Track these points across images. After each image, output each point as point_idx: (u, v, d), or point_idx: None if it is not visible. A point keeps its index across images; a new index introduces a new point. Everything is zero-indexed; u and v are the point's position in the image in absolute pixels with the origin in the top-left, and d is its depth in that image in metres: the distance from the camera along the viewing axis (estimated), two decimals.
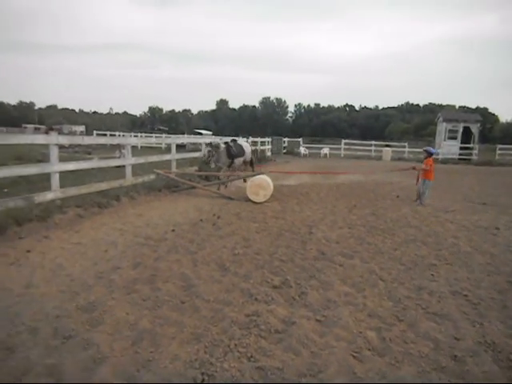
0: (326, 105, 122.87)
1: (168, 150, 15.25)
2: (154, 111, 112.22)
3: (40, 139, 8.00)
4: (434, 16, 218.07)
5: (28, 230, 6.06)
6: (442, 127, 32.25)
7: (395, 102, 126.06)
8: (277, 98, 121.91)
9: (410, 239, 6.63)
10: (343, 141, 35.36)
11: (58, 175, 7.42)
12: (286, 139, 36.12)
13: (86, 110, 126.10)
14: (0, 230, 5.72)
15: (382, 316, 3.78)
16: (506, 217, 8.76)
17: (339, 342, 3.27)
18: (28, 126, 62.59)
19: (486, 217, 8.75)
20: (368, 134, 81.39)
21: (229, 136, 19.54)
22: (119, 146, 16.32)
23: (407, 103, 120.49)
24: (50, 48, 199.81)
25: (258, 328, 3.43)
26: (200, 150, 12.03)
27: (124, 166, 9.98)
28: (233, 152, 12.18)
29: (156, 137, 32.37)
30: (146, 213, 8.04)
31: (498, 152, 31.84)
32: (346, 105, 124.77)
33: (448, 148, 31.09)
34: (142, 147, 26.11)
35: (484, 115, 54.82)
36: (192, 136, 31.45)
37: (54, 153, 7.33)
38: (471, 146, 31.22)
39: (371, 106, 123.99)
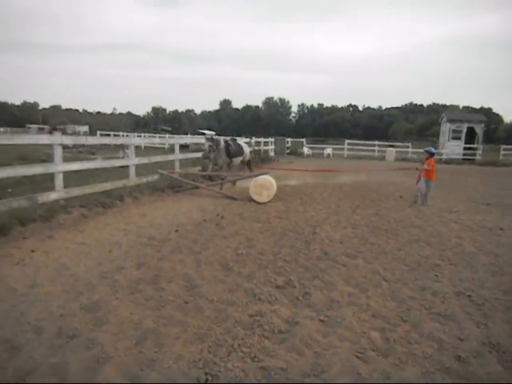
0: (329, 105, 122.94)
1: (171, 150, 15.31)
2: (157, 111, 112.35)
3: (44, 139, 8.02)
4: (447, 15, 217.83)
5: (32, 230, 6.08)
6: (446, 127, 32.18)
7: (399, 102, 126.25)
8: (280, 98, 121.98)
9: (413, 239, 6.62)
10: (346, 141, 35.27)
11: (61, 175, 7.44)
12: (289, 139, 36.10)
13: (90, 110, 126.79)
14: (4, 230, 5.74)
15: (386, 316, 3.78)
16: (510, 217, 8.73)
17: (343, 343, 3.27)
18: (32, 126, 62.99)
19: (490, 217, 8.72)
20: (371, 135, 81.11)
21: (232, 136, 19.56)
22: (123, 146, 16.34)
23: (411, 103, 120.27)
24: (52, 48, 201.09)
25: (262, 328, 3.43)
26: (203, 151, 12.03)
27: (128, 166, 9.99)
28: (232, 151, 12.11)
29: (159, 137, 32.36)
30: (149, 213, 8.05)
31: (502, 152, 31.77)
32: (350, 105, 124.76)
33: (452, 148, 31.03)
34: (145, 147, 26.24)
35: (488, 115, 54.74)
36: (195, 136, 31.45)
37: (58, 153, 7.35)
38: (475, 146, 31.14)
39: (374, 106, 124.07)
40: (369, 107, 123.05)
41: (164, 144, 28.05)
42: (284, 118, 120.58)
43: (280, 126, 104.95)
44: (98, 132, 43.25)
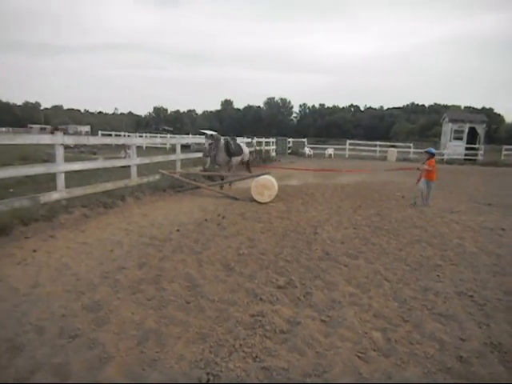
0: (330, 105, 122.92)
1: (173, 150, 15.29)
2: (158, 111, 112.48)
3: (46, 139, 8.02)
4: (447, 15, 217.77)
5: (34, 230, 6.10)
6: (448, 128, 32.14)
7: (400, 103, 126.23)
8: (281, 99, 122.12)
9: (415, 240, 6.61)
10: (348, 141, 35.26)
11: (63, 175, 7.45)
12: (290, 140, 36.05)
13: (91, 110, 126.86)
14: (6, 230, 5.75)
15: (388, 317, 3.77)
16: (511, 217, 8.71)
17: (344, 343, 3.26)
18: (34, 126, 62.94)
19: (492, 217, 8.71)
20: (373, 135, 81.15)
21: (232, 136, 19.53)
22: (124, 147, 16.36)
23: (412, 103, 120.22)
24: (52, 48, 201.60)
25: (263, 328, 3.43)
26: (203, 150, 12.02)
27: (129, 166, 10.00)
28: (231, 149, 12.06)
29: (161, 137, 32.44)
30: (151, 213, 8.06)
31: (504, 153, 31.67)
32: (351, 105, 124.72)
33: (453, 148, 31.00)
34: (147, 147, 26.21)
35: (490, 116, 54.62)
36: (197, 136, 31.48)
37: (60, 153, 7.36)
38: (477, 146, 31.10)
39: (376, 106, 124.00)
40: (370, 107, 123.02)
41: (165, 144, 28.10)
42: (285, 118, 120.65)
43: (281, 126, 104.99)
44: (100, 132, 43.26)
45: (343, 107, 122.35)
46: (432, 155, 10.33)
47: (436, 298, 4.23)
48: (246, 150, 13.59)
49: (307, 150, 32.91)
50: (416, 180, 10.56)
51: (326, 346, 3.23)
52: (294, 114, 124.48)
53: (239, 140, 14.77)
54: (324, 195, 11.34)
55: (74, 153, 20.98)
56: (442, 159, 29.27)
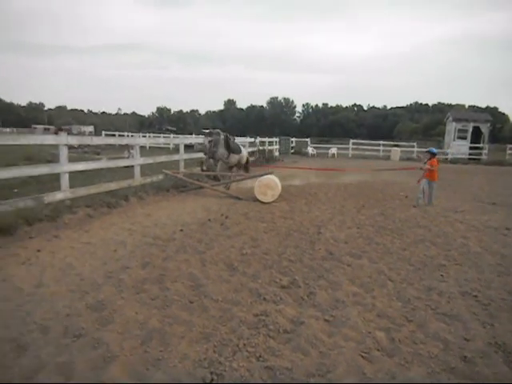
0: (333, 104, 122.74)
1: (176, 150, 15.32)
2: (162, 111, 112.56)
3: (50, 140, 8.06)
4: (447, 15, 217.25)
5: (38, 230, 6.12)
6: (452, 127, 32.04)
7: (404, 102, 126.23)
8: (284, 98, 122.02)
9: (418, 239, 6.59)
10: (351, 141, 35.14)
11: (67, 175, 7.48)
12: (293, 139, 36.06)
13: (95, 110, 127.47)
14: (10, 230, 5.78)
15: (391, 316, 3.77)
16: None
17: (348, 342, 3.26)
18: (37, 126, 63.28)
19: (496, 217, 8.67)
20: (376, 134, 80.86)
21: (236, 136, 19.47)
22: (128, 147, 16.42)
23: (416, 103, 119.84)
24: (53, 48, 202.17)
25: (267, 328, 3.43)
26: (204, 148, 12.00)
27: (133, 166, 10.03)
28: (231, 145, 12.03)
29: (164, 137, 32.46)
30: (154, 213, 8.08)
31: (509, 152, 31.48)
32: (354, 104, 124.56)
33: (458, 148, 30.89)
34: (150, 147, 26.29)
35: (494, 115, 54.41)
36: (200, 136, 31.50)
37: (64, 153, 7.39)
38: (481, 145, 30.98)
39: (379, 105, 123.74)
40: (373, 107, 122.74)
41: (169, 144, 28.14)
42: (288, 117, 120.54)
43: (284, 126, 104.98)
44: (103, 132, 43.35)
45: (346, 107, 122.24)
46: (433, 155, 10.29)
47: (440, 298, 4.22)
48: (245, 152, 13.50)
49: (310, 150, 32.89)
50: (418, 180, 10.52)
51: (329, 345, 3.22)
52: (297, 114, 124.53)
53: (241, 140, 14.73)
54: (327, 195, 11.33)
55: (78, 153, 21.03)
56: (446, 158, 29.18)
